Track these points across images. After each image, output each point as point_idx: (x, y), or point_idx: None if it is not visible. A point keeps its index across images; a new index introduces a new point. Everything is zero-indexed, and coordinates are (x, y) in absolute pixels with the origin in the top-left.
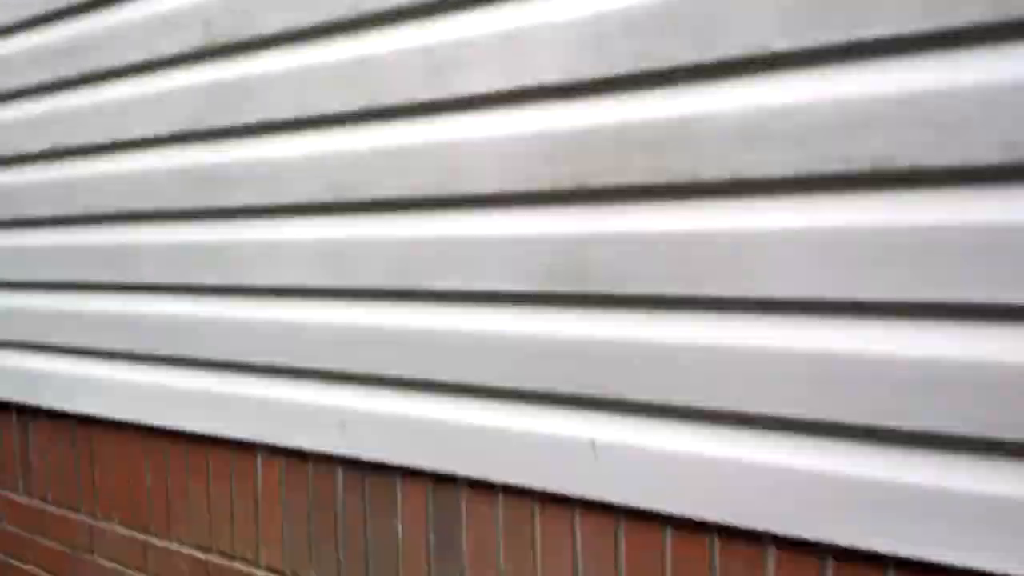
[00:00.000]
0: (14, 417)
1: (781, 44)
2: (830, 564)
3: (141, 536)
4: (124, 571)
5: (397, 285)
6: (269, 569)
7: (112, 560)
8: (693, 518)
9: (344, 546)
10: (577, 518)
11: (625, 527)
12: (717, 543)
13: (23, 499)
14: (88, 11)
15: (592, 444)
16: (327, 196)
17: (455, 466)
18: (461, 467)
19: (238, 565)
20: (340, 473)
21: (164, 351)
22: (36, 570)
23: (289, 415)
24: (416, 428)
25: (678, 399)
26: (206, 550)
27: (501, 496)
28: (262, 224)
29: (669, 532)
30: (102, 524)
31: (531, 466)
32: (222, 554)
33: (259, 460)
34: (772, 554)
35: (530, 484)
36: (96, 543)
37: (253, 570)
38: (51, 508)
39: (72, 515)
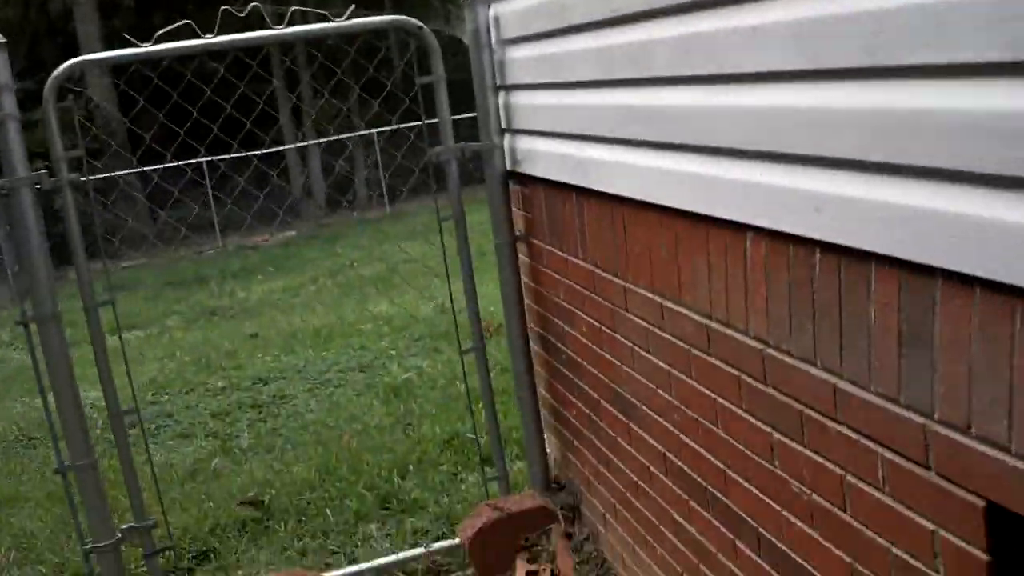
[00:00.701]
0: (574, 197)
1: None
2: None
3: (658, 299)
4: (648, 327)
5: (869, 63)
6: (756, 338)
7: (639, 317)
8: None
9: (819, 324)
10: None
11: None
12: None
13: (582, 262)
14: None
15: None
16: None
17: (929, 256)
18: (936, 258)
19: (731, 332)
20: (817, 255)
21: (671, 138)
22: (590, 320)
23: (771, 198)
24: (889, 214)
25: None
26: (707, 316)
27: (978, 291)
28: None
29: None
30: (632, 287)
31: (1013, 261)
32: (719, 321)
33: (748, 239)
34: None
35: (1011, 280)
36: (629, 302)
37: (744, 338)
38: (599, 271)
39: (613, 278)
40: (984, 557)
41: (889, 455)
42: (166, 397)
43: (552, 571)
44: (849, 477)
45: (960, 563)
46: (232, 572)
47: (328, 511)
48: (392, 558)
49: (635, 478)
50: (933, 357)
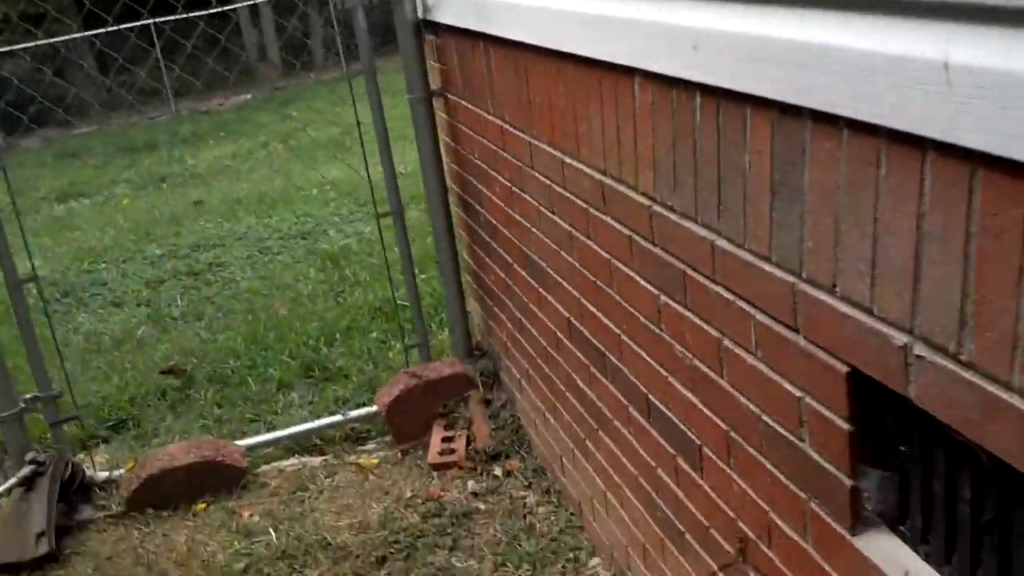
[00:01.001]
0: (482, 46)
1: None
2: None
3: (560, 155)
4: (551, 185)
5: None
6: (644, 195)
7: (544, 175)
8: None
9: (700, 177)
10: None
11: (982, 176)
12: None
13: (493, 118)
14: None
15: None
16: None
17: (797, 96)
18: (805, 97)
19: (622, 189)
20: (698, 100)
21: None
22: (502, 179)
23: (653, 35)
24: (761, 51)
25: None
26: (601, 172)
27: (846, 132)
28: None
29: None
30: (537, 143)
31: (875, 96)
32: (612, 177)
33: (635, 85)
34: None
35: (875, 119)
36: (535, 159)
37: (634, 195)
38: (508, 127)
39: (520, 134)
40: (846, 427)
41: (761, 317)
42: (103, 265)
43: (468, 437)
44: (726, 341)
45: (824, 432)
46: (147, 440)
47: (250, 379)
48: (309, 425)
49: (545, 343)
50: (803, 210)
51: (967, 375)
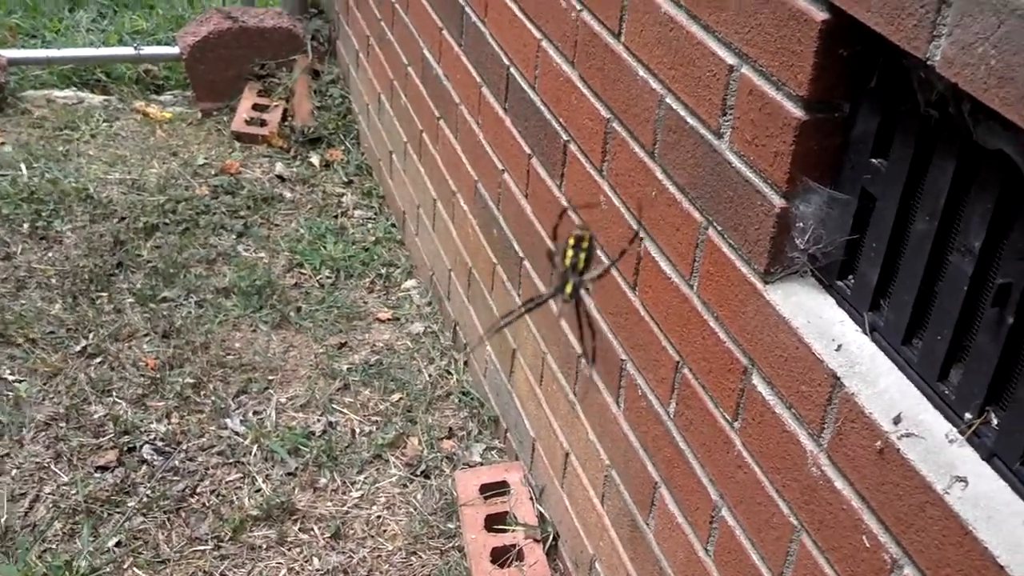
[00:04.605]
0: None
1: None
2: None
3: None
4: None
5: None
6: None
7: None
8: None
9: None
10: None
11: None
12: None
13: None
14: None
15: None
16: None
17: None
18: None
19: None
20: None
21: None
22: None
23: None
24: None
25: None
26: None
27: None
28: None
29: None
30: None
31: None
32: None
33: None
34: None
35: None
36: None
37: None
38: None
39: None
40: (797, 114)
41: None
42: None
43: (285, 111)
44: None
45: (761, 123)
46: None
47: None
48: (93, 51)
49: (394, 0)
50: None
51: None
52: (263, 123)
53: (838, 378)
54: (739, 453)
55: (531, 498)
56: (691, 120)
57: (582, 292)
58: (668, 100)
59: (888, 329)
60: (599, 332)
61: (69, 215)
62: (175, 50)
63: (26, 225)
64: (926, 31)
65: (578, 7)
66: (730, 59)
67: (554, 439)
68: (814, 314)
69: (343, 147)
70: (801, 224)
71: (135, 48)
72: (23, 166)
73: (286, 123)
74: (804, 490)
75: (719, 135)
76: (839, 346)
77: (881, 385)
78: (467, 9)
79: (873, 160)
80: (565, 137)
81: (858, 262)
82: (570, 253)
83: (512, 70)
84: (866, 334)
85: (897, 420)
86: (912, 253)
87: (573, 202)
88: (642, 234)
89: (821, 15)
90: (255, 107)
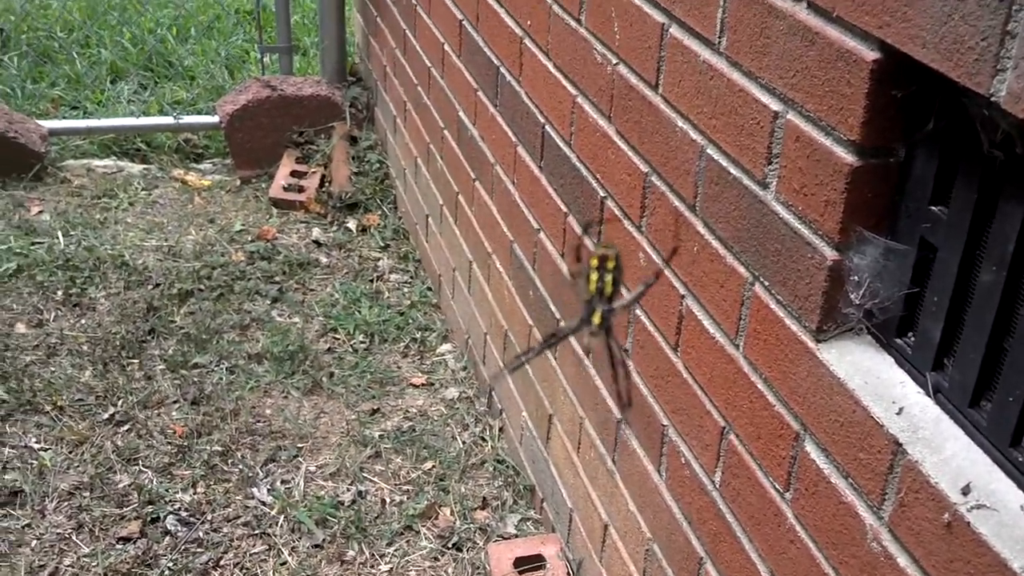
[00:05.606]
0: None
1: None
2: None
3: None
4: None
5: None
6: None
7: None
8: None
9: None
10: None
11: None
12: None
13: None
14: None
15: None
16: None
17: None
18: None
19: None
20: None
21: None
22: None
23: None
24: None
25: None
26: None
27: None
28: None
29: None
30: None
31: None
32: None
33: None
34: None
35: None
36: None
37: None
38: None
39: None
40: (849, 160)
41: None
42: None
43: (323, 177)
44: (673, 27)
45: (811, 171)
46: None
47: (78, 59)
48: (133, 121)
49: (429, 62)
50: None
51: None
52: (301, 189)
53: (900, 444)
54: (791, 526)
55: (568, 572)
56: (734, 170)
57: (612, 321)
58: (709, 150)
59: (953, 390)
60: (631, 374)
61: (103, 282)
62: (214, 119)
63: (60, 292)
64: (989, 65)
65: (614, 60)
66: (774, 105)
67: (592, 509)
68: (872, 375)
69: (380, 212)
70: (855, 277)
71: (175, 117)
72: (60, 234)
73: (324, 189)
74: (863, 567)
75: (764, 185)
76: (900, 409)
77: (947, 452)
78: (502, 69)
79: (932, 207)
80: (602, 193)
81: (918, 318)
82: (594, 277)
83: (547, 127)
84: (929, 396)
85: (966, 490)
86: (978, 307)
87: None
88: (691, 300)
89: (872, 54)
90: (293, 174)
